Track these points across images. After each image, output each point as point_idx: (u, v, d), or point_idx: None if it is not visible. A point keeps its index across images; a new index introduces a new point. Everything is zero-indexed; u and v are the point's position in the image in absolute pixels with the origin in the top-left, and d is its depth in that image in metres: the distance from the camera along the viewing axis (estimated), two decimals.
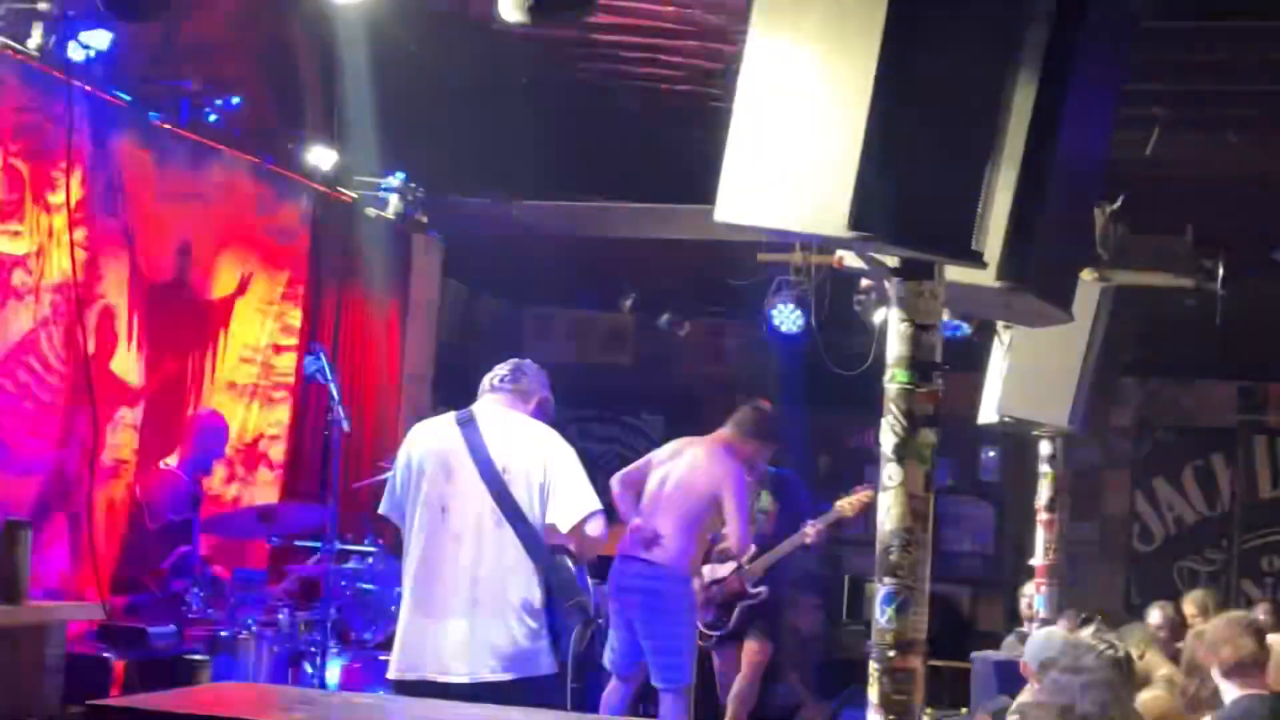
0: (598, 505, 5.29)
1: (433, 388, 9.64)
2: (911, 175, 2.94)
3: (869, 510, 8.43)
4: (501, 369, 5.53)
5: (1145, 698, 5.46)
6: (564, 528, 5.20)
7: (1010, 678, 6.30)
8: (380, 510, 5.52)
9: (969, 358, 7.85)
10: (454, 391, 10.16)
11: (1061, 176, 3.27)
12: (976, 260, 3.04)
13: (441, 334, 9.98)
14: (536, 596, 5.16)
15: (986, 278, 3.16)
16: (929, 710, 7.49)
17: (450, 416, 5.43)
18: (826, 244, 3.69)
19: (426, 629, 5.15)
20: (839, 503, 8.56)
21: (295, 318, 8.38)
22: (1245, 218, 8.62)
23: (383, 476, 7.43)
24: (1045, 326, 3.85)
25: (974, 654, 7.37)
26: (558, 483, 5.22)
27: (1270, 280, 9.26)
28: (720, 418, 8.10)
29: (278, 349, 8.26)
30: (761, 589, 8.54)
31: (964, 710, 7.42)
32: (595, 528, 5.24)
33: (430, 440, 5.38)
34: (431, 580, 5.18)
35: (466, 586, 5.14)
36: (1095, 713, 4.25)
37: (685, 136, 7.95)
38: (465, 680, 5.05)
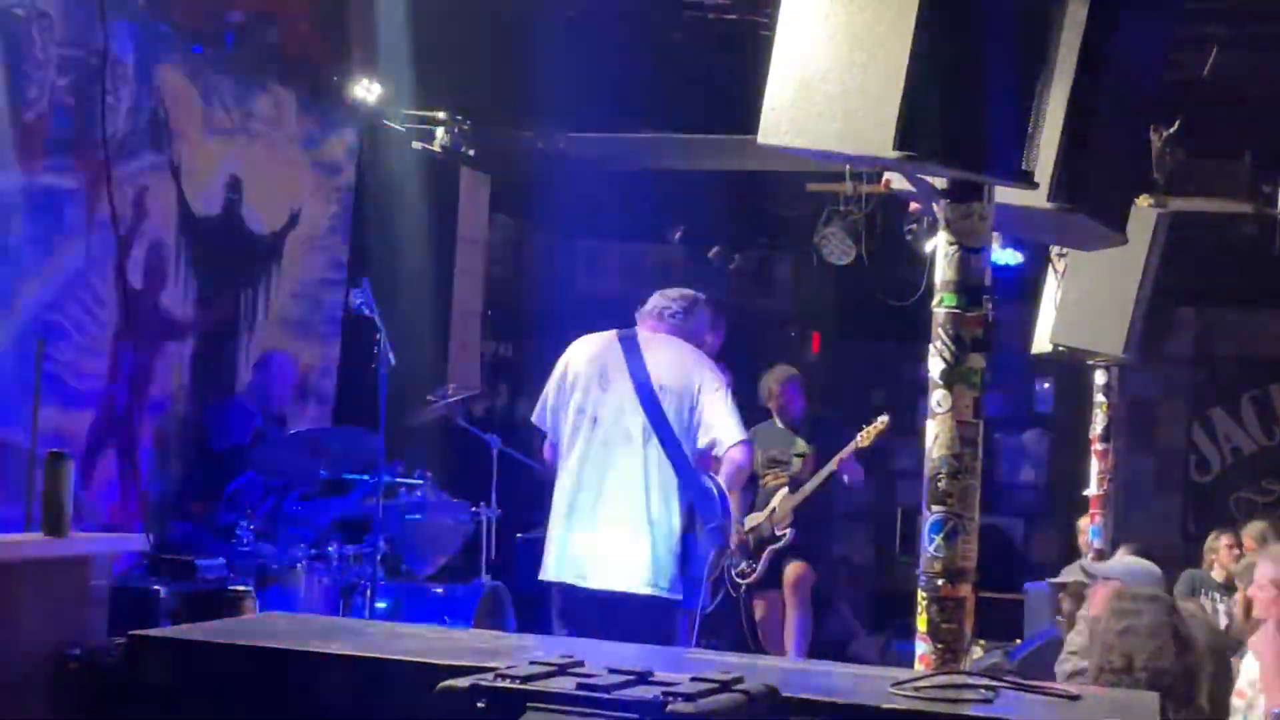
0: (745, 435, 5.43)
1: (482, 322, 9.63)
2: (959, 95, 2.87)
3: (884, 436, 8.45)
4: (673, 301, 5.56)
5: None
6: (716, 451, 5.32)
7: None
8: (532, 419, 5.63)
9: (1023, 288, 7.75)
10: (504, 326, 10.17)
11: (1114, 97, 3.19)
12: (1027, 181, 2.97)
13: (491, 268, 9.95)
14: (677, 515, 5.28)
15: (1038, 199, 3.09)
16: (980, 642, 7.46)
17: (612, 333, 5.53)
18: (873, 165, 3.62)
19: (569, 536, 5.31)
20: (860, 434, 8.48)
21: (343, 251, 8.37)
22: None
23: (438, 406, 7.50)
24: (1098, 249, 3.78)
25: (1027, 584, 7.31)
26: (709, 408, 5.34)
27: None
28: (773, 352, 8.08)
29: (326, 283, 8.26)
30: (788, 531, 8.45)
31: (1018, 641, 7.38)
32: (742, 455, 5.38)
33: (590, 353, 5.49)
34: (577, 489, 5.33)
35: (610, 498, 5.29)
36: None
37: (734, 65, 7.83)
38: (599, 587, 5.21)
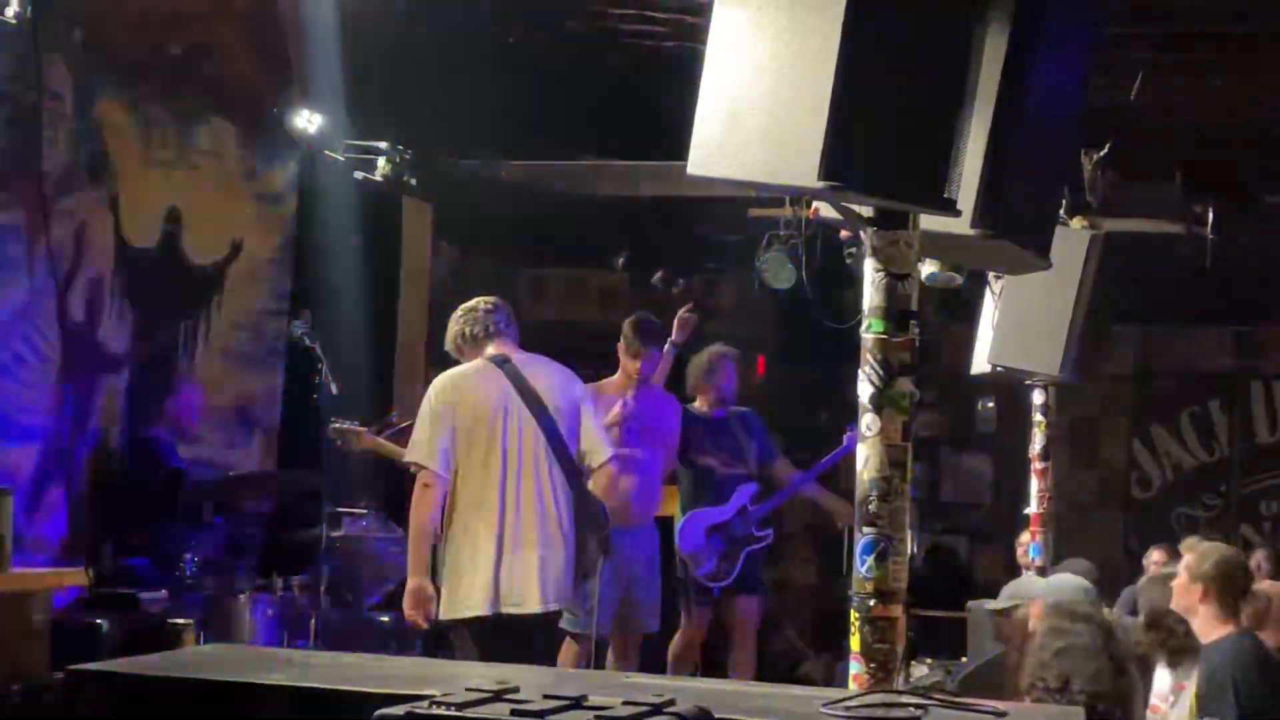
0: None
1: (427, 349, 9.64)
2: (882, 125, 2.93)
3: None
4: (490, 315, 5.67)
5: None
6: (594, 464, 5.59)
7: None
8: (416, 458, 5.55)
9: (965, 309, 7.84)
10: (448, 353, 10.18)
11: (1036, 123, 3.26)
12: (949, 208, 3.03)
13: (434, 296, 9.96)
14: (574, 530, 5.50)
15: (961, 225, 3.16)
16: (929, 660, 7.52)
17: (484, 362, 5.61)
18: (799, 195, 3.68)
19: (501, 566, 5.39)
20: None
21: (286, 282, 8.37)
22: (1234, 162, 8.60)
23: (394, 428, 7.48)
24: (1024, 273, 3.85)
25: (970, 603, 7.37)
26: (587, 424, 5.59)
27: (1262, 224, 9.24)
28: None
29: (269, 314, 8.26)
30: (767, 532, 7.95)
31: (964, 659, 7.44)
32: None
33: (473, 385, 5.55)
34: (496, 517, 5.40)
35: (533, 521, 5.41)
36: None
37: (673, 92, 7.89)
38: (534, 611, 5.36)
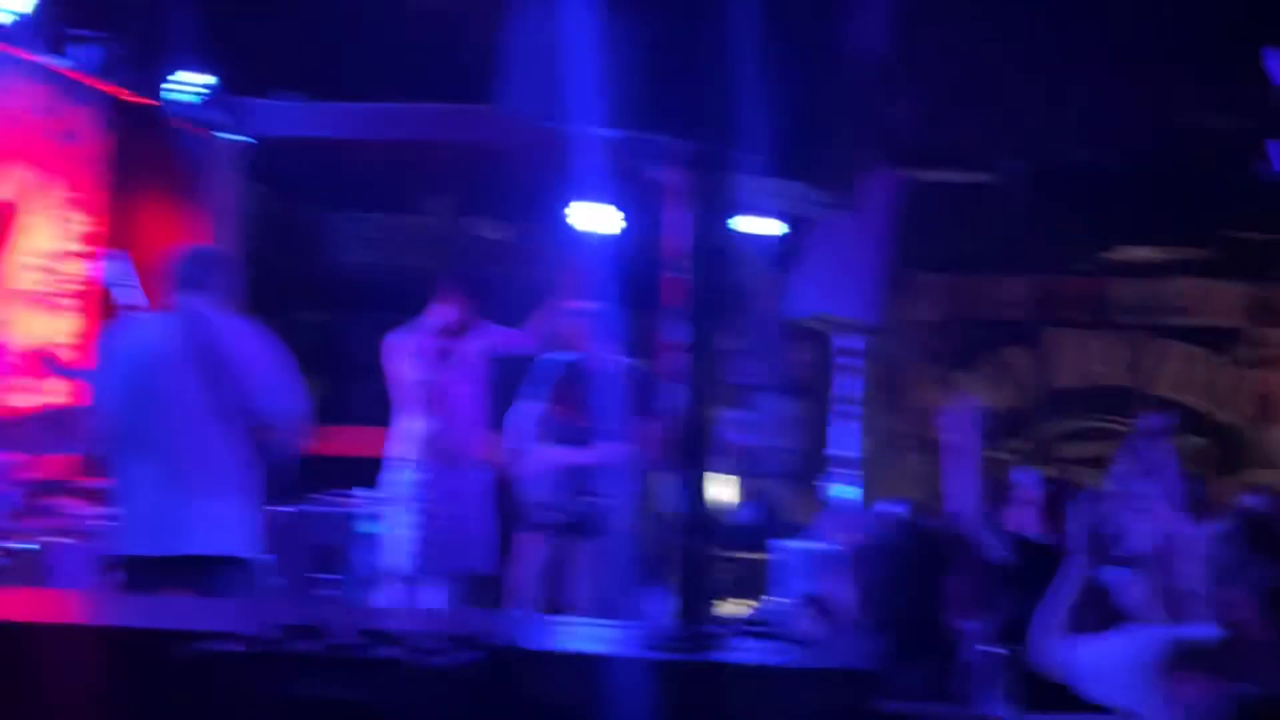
0: (299, 396, 5.62)
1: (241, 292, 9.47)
2: (695, 74, 2.98)
3: None
4: (184, 264, 5.66)
5: None
6: (268, 416, 5.50)
7: (810, 566, 6.49)
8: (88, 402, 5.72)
9: (780, 256, 7.97)
10: (264, 297, 10.03)
11: (841, 74, 3.33)
12: (758, 155, 3.09)
13: (249, 240, 9.79)
14: (246, 479, 5.48)
15: (771, 173, 3.22)
16: (744, 600, 7.69)
17: (154, 312, 5.69)
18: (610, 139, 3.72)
19: (153, 507, 5.37)
20: None
21: (85, 224, 8.15)
22: (1038, 116, 8.83)
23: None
24: (829, 220, 3.94)
25: (772, 542, 7.53)
26: (259, 372, 5.49)
27: (1063, 176, 9.52)
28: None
29: (66, 255, 8.04)
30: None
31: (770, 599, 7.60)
32: (294, 416, 5.59)
33: (137, 333, 5.58)
34: (152, 462, 5.39)
35: (176, 469, 5.38)
36: None
37: (489, 35, 7.86)
38: (178, 555, 5.31)
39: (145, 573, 5.33)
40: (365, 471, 7.74)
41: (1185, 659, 3.38)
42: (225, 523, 5.42)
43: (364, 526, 7.85)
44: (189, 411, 5.41)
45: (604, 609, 7.13)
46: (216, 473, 5.44)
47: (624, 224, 9.40)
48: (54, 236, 7.97)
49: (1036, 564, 5.18)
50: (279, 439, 5.58)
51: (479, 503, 7.52)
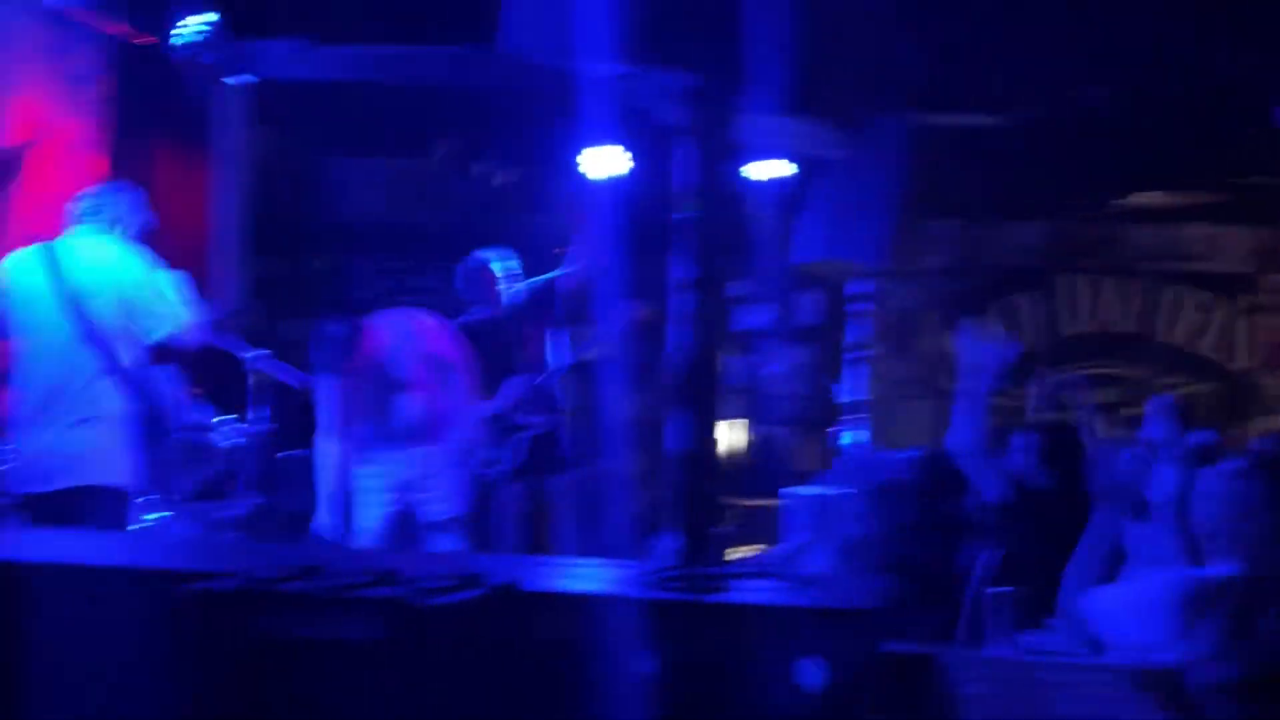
0: (187, 317, 5.78)
1: (243, 238, 9.44)
2: (706, 13, 2.94)
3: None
4: (85, 200, 5.92)
5: None
6: (169, 336, 5.72)
7: (819, 512, 6.46)
8: None
9: (789, 201, 7.91)
10: (267, 242, 10.00)
11: (855, 16, 3.29)
12: (767, 95, 3.05)
13: (253, 184, 9.74)
14: (118, 409, 5.57)
15: (779, 113, 3.18)
16: (753, 546, 7.68)
17: (35, 248, 5.80)
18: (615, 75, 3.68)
19: (26, 445, 5.53)
20: None
21: (97, 167, 8.10)
22: (1051, 58, 8.73)
23: None
24: (841, 162, 3.89)
25: (782, 490, 7.52)
26: (142, 300, 5.65)
27: (1075, 120, 9.43)
28: (543, 269, 8.01)
29: (75, 198, 7.99)
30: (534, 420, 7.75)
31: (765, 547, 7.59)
32: (197, 336, 5.83)
33: (14, 271, 5.74)
34: (26, 399, 5.56)
35: (57, 402, 5.52)
36: None
37: None
38: (73, 485, 5.46)
39: (41, 509, 5.45)
40: None
41: (1208, 599, 3.38)
42: (102, 452, 5.51)
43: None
44: (59, 344, 5.53)
45: (589, 549, 7.18)
46: (89, 403, 5.52)
47: (632, 166, 9.33)
48: (65, 180, 7.92)
49: (1034, 506, 5.18)
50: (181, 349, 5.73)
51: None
